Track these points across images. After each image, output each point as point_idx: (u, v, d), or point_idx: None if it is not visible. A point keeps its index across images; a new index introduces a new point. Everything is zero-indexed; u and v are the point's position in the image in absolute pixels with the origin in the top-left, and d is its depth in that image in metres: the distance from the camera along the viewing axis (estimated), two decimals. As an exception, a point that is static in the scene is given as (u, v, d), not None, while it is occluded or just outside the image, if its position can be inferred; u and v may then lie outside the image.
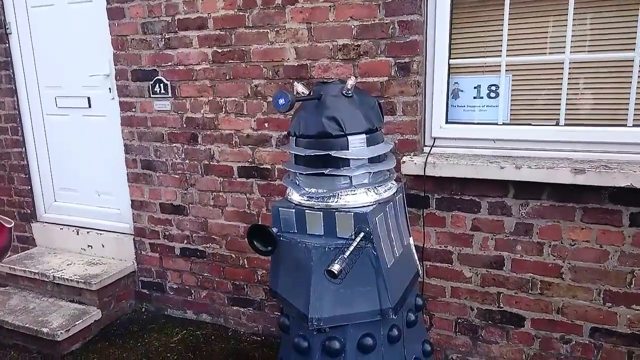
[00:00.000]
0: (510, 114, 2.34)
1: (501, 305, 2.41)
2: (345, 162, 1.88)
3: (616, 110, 2.16)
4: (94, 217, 3.51)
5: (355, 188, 1.90)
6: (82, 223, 3.55)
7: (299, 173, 1.97)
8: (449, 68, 2.36)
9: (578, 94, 2.20)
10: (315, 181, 1.93)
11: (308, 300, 1.88)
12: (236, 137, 2.81)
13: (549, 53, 2.21)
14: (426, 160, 2.32)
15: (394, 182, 2.06)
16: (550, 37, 2.20)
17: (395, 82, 2.36)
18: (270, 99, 2.66)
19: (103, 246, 3.44)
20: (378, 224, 1.91)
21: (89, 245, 3.50)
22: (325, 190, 1.92)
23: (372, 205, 1.91)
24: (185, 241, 3.14)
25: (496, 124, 2.34)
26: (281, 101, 1.74)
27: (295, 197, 1.98)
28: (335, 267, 1.71)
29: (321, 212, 1.91)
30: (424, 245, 2.47)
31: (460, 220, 2.39)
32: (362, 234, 1.84)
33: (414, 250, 2.23)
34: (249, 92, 2.71)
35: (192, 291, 3.21)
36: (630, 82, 2.09)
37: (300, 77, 2.56)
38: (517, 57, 2.27)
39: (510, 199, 2.28)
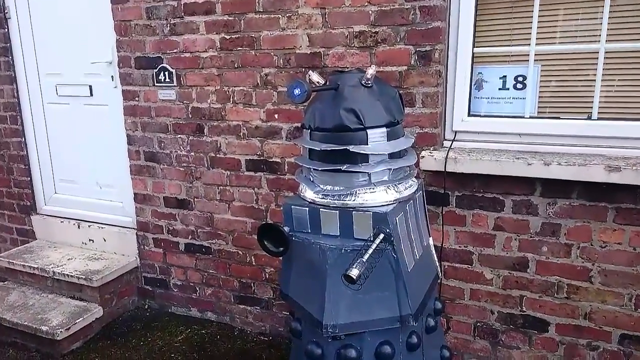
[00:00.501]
0: (538, 107, 2.19)
1: (524, 309, 2.28)
2: (363, 158, 1.75)
3: (654, 103, 2.01)
4: (96, 210, 3.39)
5: (375, 186, 1.76)
6: (83, 216, 3.43)
7: (314, 169, 1.83)
8: (473, 57, 2.21)
9: (613, 85, 2.05)
10: (331, 178, 1.80)
11: (323, 306, 1.76)
12: (244, 128, 2.67)
13: (582, 42, 2.06)
14: (447, 156, 2.18)
15: (414, 179, 1.92)
16: (584, 24, 2.04)
17: (415, 72, 2.22)
18: (281, 88, 2.52)
19: (105, 240, 3.33)
20: (398, 224, 1.77)
21: (90, 239, 3.38)
22: (342, 188, 1.78)
23: (392, 204, 1.77)
24: (190, 237, 3.02)
25: (523, 117, 2.20)
26: (297, 91, 1.60)
27: (309, 194, 1.85)
28: (354, 272, 1.58)
29: (337, 211, 1.78)
30: (442, 245, 2.34)
31: (482, 219, 2.26)
32: (381, 236, 1.70)
33: (434, 251, 2.10)
34: (259, 82, 2.56)
35: (197, 288, 3.09)
36: (672, 73, 1.94)
37: (314, 66, 2.41)
38: (547, 45, 2.12)
39: (537, 198, 2.14)
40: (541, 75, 2.15)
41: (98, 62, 3.08)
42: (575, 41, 2.07)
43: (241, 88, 2.61)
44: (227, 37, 2.57)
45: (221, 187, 2.83)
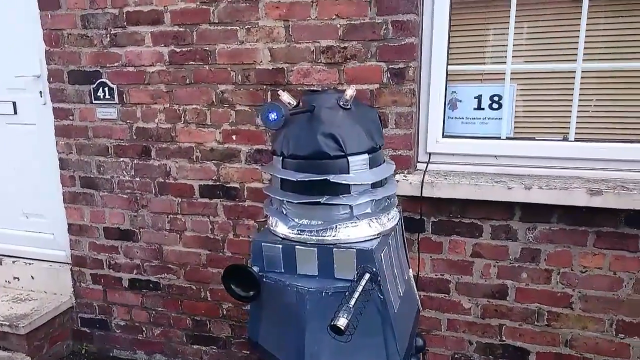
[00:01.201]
0: (514, 128, 2.11)
1: (503, 339, 2.17)
2: (344, 189, 1.56)
3: (630, 125, 1.98)
4: (22, 244, 2.97)
5: (357, 219, 1.58)
6: (7, 251, 2.99)
7: (287, 201, 1.62)
8: (447, 75, 2.10)
9: (590, 106, 2.01)
10: (307, 211, 1.60)
11: (302, 357, 1.55)
12: (197, 151, 2.41)
13: (559, 61, 2.00)
14: (423, 180, 2.04)
15: (395, 208, 1.76)
16: (561, 43, 1.99)
17: (388, 91, 2.07)
18: (239, 107, 2.29)
19: (33, 278, 2.91)
20: (383, 261, 1.60)
21: (15, 277, 2.95)
22: (320, 222, 1.59)
23: (375, 238, 1.60)
24: (135, 271, 2.70)
25: (499, 138, 2.11)
26: (272, 116, 1.39)
27: (281, 229, 1.63)
28: (341, 322, 1.38)
29: (315, 249, 1.58)
30: (418, 273, 2.19)
31: (460, 245, 2.14)
32: (367, 276, 1.52)
33: (414, 283, 1.95)
34: (214, 99, 2.32)
35: (144, 328, 2.76)
36: (647, 95, 1.91)
37: (276, 83, 2.21)
38: (523, 64, 2.04)
39: (517, 222, 2.04)
40: (517, 95, 2.08)
41: (23, 76, 2.71)
42: (552, 60, 2.01)
43: (194, 106, 2.36)
44: (178, 50, 2.31)
45: (171, 216, 2.54)
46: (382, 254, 1.59)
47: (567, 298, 2.05)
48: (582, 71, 1.96)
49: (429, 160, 2.16)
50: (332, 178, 1.53)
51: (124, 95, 2.46)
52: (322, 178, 1.52)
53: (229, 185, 2.40)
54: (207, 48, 2.27)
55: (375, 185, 1.63)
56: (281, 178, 1.63)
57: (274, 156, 1.66)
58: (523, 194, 1.93)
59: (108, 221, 2.67)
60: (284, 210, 1.66)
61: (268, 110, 1.39)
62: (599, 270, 1.99)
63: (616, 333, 2.02)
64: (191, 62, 2.31)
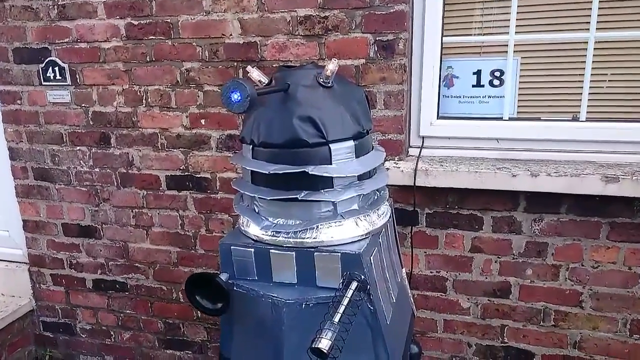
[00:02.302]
0: (518, 107, 1.88)
1: (505, 340, 1.97)
2: (326, 182, 1.32)
3: (647, 101, 1.76)
4: (-26, 242, 2.69)
5: (343, 217, 1.34)
6: (-42, 250, 2.72)
7: (259, 197, 1.38)
8: (442, 48, 1.85)
9: (605, 81, 1.77)
10: (283, 209, 1.35)
11: (280, 379, 1.32)
12: (162, 137, 2.14)
13: (569, 30, 1.76)
14: (416, 167, 1.81)
15: (386, 203, 1.52)
16: (571, 9, 1.74)
17: (375, 66, 1.82)
18: (207, 87, 2.02)
19: (-12, 280, 2.65)
20: (373, 265, 1.37)
21: (-32, 279, 2.69)
22: (298, 222, 1.34)
23: (364, 238, 1.37)
24: (100, 271, 2.44)
25: (501, 118, 1.87)
26: (235, 96, 1.13)
27: (253, 230, 1.39)
28: (324, 343, 1.15)
29: (293, 253, 1.34)
30: (411, 271, 1.97)
31: (457, 239, 1.92)
32: (354, 284, 1.29)
33: (408, 285, 1.73)
34: (179, 79, 2.05)
35: (112, 332, 2.52)
36: (669, 67, 1.69)
37: (248, 59, 1.94)
38: (528, 35, 1.80)
39: (521, 213, 1.83)
40: (521, 70, 1.84)
41: (-36, 55, 2.39)
42: (561, 30, 1.77)
43: (156, 87, 2.08)
44: (135, 22, 2.02)
45: (136, 210, 2.28)
46: (371, 257, 1.36)
47: (577, 296, 1.85)
48: (596, 41, 1.72)
49: (422, 144, 1.92)
50: (311, 170, 1.28)
51: (77, 76, 2.17)
52: (300, 170, 1.27)
53: (199, 176, 2.14)
54: (169, 20, 1.99)
55: (362, 177, 1.38)
56: (251, 170, 1.38)
57: (243, 144, 1.40)
58: (529, 181, 1.71)
59: (67, 217, 2.40)
60: (256, 207, 1.41)
61: (230, 89, 1.13)
62: (612, 265, 1.79)
63: (630, 333, 1.83)
64: (151, 37, 2.02)
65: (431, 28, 1.81)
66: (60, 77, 2.18)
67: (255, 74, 1.39)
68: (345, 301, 1.25)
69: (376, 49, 1.80)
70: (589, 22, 1.71)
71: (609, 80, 1.76)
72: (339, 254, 1.31)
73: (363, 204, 1.41)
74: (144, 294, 2.41)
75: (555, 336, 1.91)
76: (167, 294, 2.37)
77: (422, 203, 1.91)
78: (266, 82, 1.39)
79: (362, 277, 1.29)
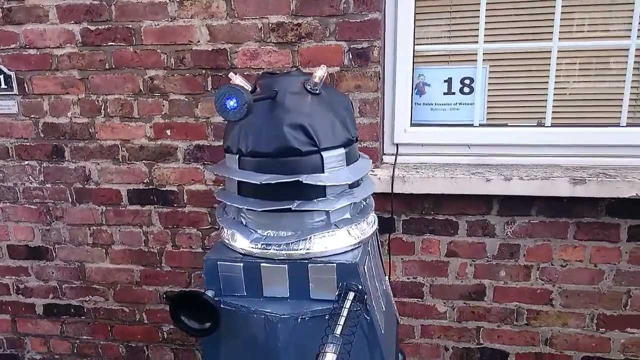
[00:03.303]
0: (487, 114, 1.93)
1: (481, 342, 2.01)
2: (319, 191, 1.28)
3: (607, 108, 1.86)
4: None
5: (337, 227, 1.31)
6: None
7: (247, 209, 1.32)
8: (414, 56, 1.87)
9: (567, 88, 1.87)
10: (273, 220, 1.30)
11: (276, 400, 1.26)
12: (124, 149, 2.01)
13: (534, 40, 1.84)
14: (393, 174, 1.81)
15: (372, 211, 1.51)
16: (536, 20, 1.82)
17: (350, 74, 1.81)
18: (173, 96, 1.93)
19: None
20: (367, 274, 1.35)
21: None
22: (290, 233, 1.30)
23: (356, 247, 1.34)
24: (52, 295, 2.25)
25: (472, 125, 1.92)
26: (231, 103, 1.07)
27: (242, 243, 1.32)
28: (329, 357, 1.11)
29: (286, 265, 1.29)
30: (389, 278, 1.97)
31: (434, 245, 1.94)
32: (351, 295, 1.26)
33: (391, 292, 1.72)
34: (141, 87, 1.94)
35: (66, 361, 2.33)
36: (625, 75, 1.79)
37: (217, 67, 1.87)
38: (496, 44, 1.86)
39: (494, 217, 1.87)
40: (489, 78, 1.89)
41: None
42: (526, 39, 1.85)
43: (117, 96, 1.96)
44: (92, 28, 1.90)
45: (94, 228, 2.13)
46: (365, 267, 1.34)
47: (547, 294, 1.92)
48: (559, 50, 1.80)
49: (397, 152, 1.93)
50: (305, 179, 1.24)
51: (26, 85, 2.00)
52: (293, 179, 1.23)
53: (164, 189, 2.03)
54: (130, 25, 1.88)
55: (352, 186, 1.36)
56: (239, 181, 1.32)
57: (228, 154, 1.34)
58: (503, 185, 1.76)
59: (13, 238, 2.20)
60: (243, 220, 1.35)
61: (225, 95, 1.07)
62: (579, 264, 1.87)
63: (597, 327, 1.92)
64: (110, 43, 1.90)
65: (403, 36, 1.83)
66: (5, 86, 2.00)
67: (238, 80, 1.33)
68: (345, 312, 1.21)
69: (351, 56, 1.80)
70: (552, 32, 1.79)
71: (571, 88, 1.86)
72: (335, 264, 1.27)
73: (354, 213, 1.39)
74: (102, 317, 2.24)
75: (528, 335, 1.97)
76: (129, 316, 2.22)
77: (398, 210, 1.91)
78: (250, 90, 1.34)
79: (360, 287, 1.27)
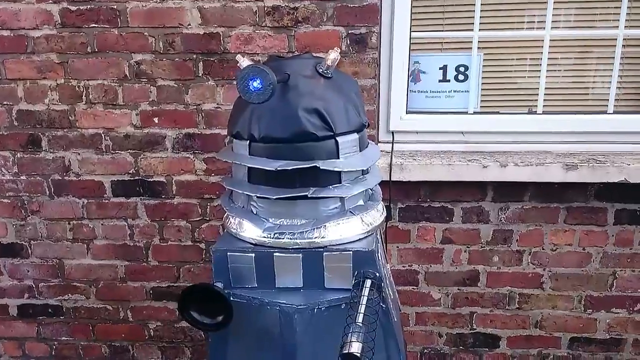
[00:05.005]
0: (480, 101, 1.95)
1: (474, 327, 2.04)
2: (334, 177, 1.25)
3: (594, 96, 1.92)
4: None
5: (352, 214, 1.28)
6: None
7: (258, 197, 1.27)
8: (410, 42, 1.86)
9: (559, 77, 1.90)
10: (287, 208, 1.26)
11: (294, 394, 1.23)
12: (107, 138, 1.91)
13: (527, 28, 1.87)
14: (391, 162, 1.80)
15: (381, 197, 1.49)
16: (529, 8, 1.85)
17: (348, 60, 1.78)
18: (161, 82, 1.84)
19: None
20: (381, 262, 1.33)
21: None
22: (304, 221, 1.26)
23: (370, 234, 1.32)
24: (27, 295, 2.12)
25: (466, 112, 1.93)
26: (255, 84, 1.02)
27: (252, 232, 1.28)
28: (356, 347, 1.09)
29: (300, 254, 1.25)
30: (385, 267, 1.96)
31: (429, 232, 1.94)
32: (369, 283, 1.24)
33: (392, 277, 1.72)
34: (127, 73, 1.84)
35: (43, 364, 2.20)
36: (613, 64, 1.85)
37: (209, 51, 1.80)
38: (491, 32, 1.87)
39: (489, 203, 1.90)
40: (483, 65, 1.91)
41: None
42: (520, 27, 1.87)
43: (100, 82, 1.85)
44: (73, 8, 1.78)
45: (74, 222, 2.01)
46: (379, 254, 1.32)
47: (538, 278, 1.97)
48: (551, 39, 1.84)
49: (393, 139, 1.91)
50: (322, 165, 1.21)
51: (-2, 69, 1.86)
52: (310, 165, 1.19)
53: (151, 180, 1.94)
54: (115, 6, 1.77)
55: (364, 172, 1.34)
56: (249, 167, 1.26)
57: (237, 140, 1.29)
58: (498, 172, 1.78)
59: (-17, 235, 2.05)
60: (253, 208, 1.30)
61: (249, 76, 1.02)
62: (568, 247, 1.93)
63: (584, 309, 1.99)
64: (93, 24, 1.79)
65: (400, 22, 1.81)
66: (-26, 70, 1.85)
67: (245, 63, 1.28)
68: (364, 300, 1.19)
69: (348, 42, 1.77)
70: (545, 21, 1.82)
71: (562, 76, 1.90)
72: (351, 252, 1.25)
73: (366, 200, 1.36)
74: (83, 317, 2.13)
75: (519, 318, 2.02)
76: (113, 314, 2.12)
77: (395, 198, 1.90)
78: (259, 73, 1.29)
79: (377, 275, 1.25)
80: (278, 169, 1.19)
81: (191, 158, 1.91)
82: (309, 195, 1.21)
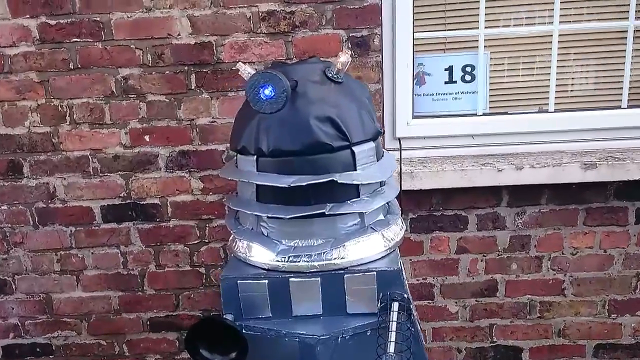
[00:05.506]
0: (489, 102, 1.86)
1: (494, 340, 1.94)
2: (352, 191, 1.14)
3: (609, 90, 1.84)
4: None
5: (374, 230, 1.17)
6: None
7: (270, 217, 1.15)
8: (414, 44, 1.77)
9: (570, 72, 1.83)
10: (302, 227, 1.15)
11: None
12: (95, 160, 1.77)
13: (534, 24, 1.79)
14: (401, 170, 1.70)
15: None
16: (536, 2, 1.77)
17: (350, 65, 1.66)
18: (151, 97, 1.71)
19: None
20: (405, 282, 1.22)
21: None
22: (321, 241, 1.15)
23: (391, 252, 1.21)
24: (12, 334, 1.96)
25: (475, 114, 1.84)
26: (267, 91, 0.91)
27: (264, 257, 1.16)
28: (392, 380, 0.97)
29: (318, 278, 1.14)
30: (398, 282, 1.85)
31: (443, 242, 1.84)
32: (396, 306, 1.13)
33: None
34: (114, 89, 1.71)
35: (33, 408, 2.03)
36: (624, 57, 1.78)
37: (202, 62, 1.68)
38: (497, 29, 1.79)
39: (504, 208, 1.80)
40: (490, 65, 1.82)
41: None
42: (526, 23, 1.79)
43: (84, 100, 1.72)
44: (52, 22, 1.65)
45: (62, 253, 1.86)
46: (403, 273, 1.21)
47: (559, 284, 1.87)
48: (560, 34, 1.76)
49: (400, 147, 1.81)
50: (339, 178, 1.09)
51: (-28, 91, 1.72)
52: (327, 180, 1.08)
53: (144, 203, 1.81)
54: (98, 18, 1.65)
55: (381, 183, 1.23)
56: (257, 185, 1.15)
57: (242, 156, 1.17)
58: (514, 175, 1.69)
59: (-38, 271, 1.89)
60: (263, 230, 1.18)
61: (259, 83, 0.91)
62: (589, 250, 1.84)
63: (609, 314, 1.89)
64: (75, 39, 1.67)
65: (403, 22, 1.72)
66: (-54, 94, 1.71)
67: (246, 70, 1.16)
68: (394, 327, 1.08)
69: (350, 45, 1.67)
70: (552, 16, 1.74)
71: (573, 72, 1.82)
72: (374, 272, 1.14)
73: (385, 213, 1.25)
74: (75, 354, 1.97)
75: (540, 328, 1.92)
76: (107, 350, 1.96)
77: (406, 208, 1.79)
78: (262, 81, 1.17)
79: (406, 297, 1.14)
80: (292, 185, 1.07)
81: (187, 177, 1.78)
82: (326, 213, 1.10)
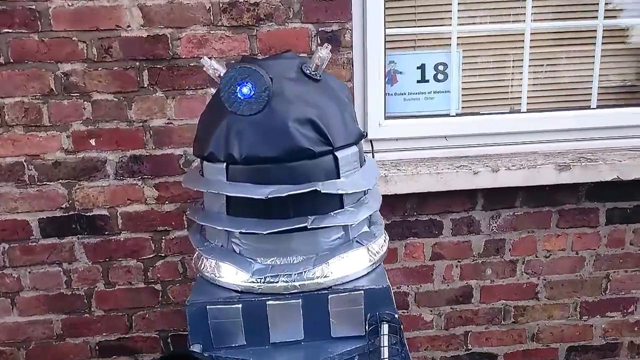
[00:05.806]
0: (462, 102, 1.80)
1: (469, 347, 1.88)
2: (334, 201, 1.03)
3: (576, 91, 1.82)
4: None
5: (360, 244, 1.06)
6: None
7: (243, 232, 1.01)
8: (385, 41, 1.67)
9: (542, 72, 1.79)
10: (279, 244, 1.02)
11: None
12: (31, 167, 1.56)
13: (506, 22, 1.74)
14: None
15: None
16: (507, 1, 1.72)
17: (320, 62, 1.56)
18: (97, 95, 1.52)
19: None
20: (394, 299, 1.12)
21: None
22: (301, 258, 1.03)
23: (376, 267, 1.10)
24: None
25: (448, 115, 1.77)
26: (245, 90, 0.78)
27: (237, 278, 1.02)
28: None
29: (299, 300, 1.01)
30: (372, 292, 1.75)
31: (417, 249, 1.76)
32: (386, 327, 1.02)
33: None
34: (53, 86, 1.50)
35: None
36: (594, 57, 1.76)
37: (155, 57, 1.51)
38: (470, 26, 1.73)
39: (479, 212, 1.74)
40: (462, 64, 1.76)
41: None
42: (499, 21, 1.74)
43: (18, 99, 1.50)
44: (-23, 9, 1.43)
45: (-7, 273, 1.64)
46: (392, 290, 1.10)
47: (533, 288, 1.83)
48: (532, 32, 1.72)
49: (372, 149, 1.71)
50: (322, 187, 0.97)
51: None
52: (309, 189, 0.95)
53: (90, 214, 1.61)
54: (33, 6, 1.44)
55: (365, 192, 1.12)
56: (228, 197, 1.00)
57: (209, 163, 1.02)
58: (490, 178, 1.63)
59: None
60: (235, 247, 1.04)
61: (236, 79, 0.77)
62: (562, 253, 1.81)
63: (580, 316, 1.88)
64: (6, 30, 1.45)
65: (374, 18, 1.62)
66: None
67: (212, 65, 1.02)
68: (386, 353, 0.97)
69: (319, 41, 1.55)
70: (525, 14, 1.70)
71: (545, 71, 1.79)
72: (362, 291, 1.03)
73: (369, 225, 1.14)
74: (12, 387, 1.74)
75: (515, 333, 1.88)
76: (50, 379, 1.75)
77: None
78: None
79: (396, 316, 1.03)
80: (269, 196, 0.94)
81: (139, 185, 1.60)
82: (308, 227, 0.97)
